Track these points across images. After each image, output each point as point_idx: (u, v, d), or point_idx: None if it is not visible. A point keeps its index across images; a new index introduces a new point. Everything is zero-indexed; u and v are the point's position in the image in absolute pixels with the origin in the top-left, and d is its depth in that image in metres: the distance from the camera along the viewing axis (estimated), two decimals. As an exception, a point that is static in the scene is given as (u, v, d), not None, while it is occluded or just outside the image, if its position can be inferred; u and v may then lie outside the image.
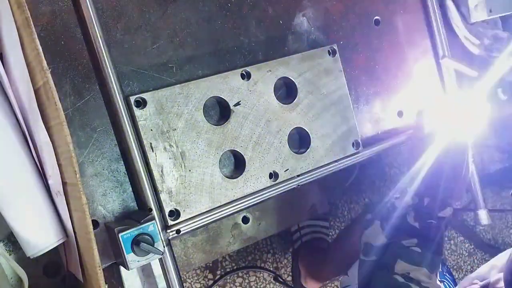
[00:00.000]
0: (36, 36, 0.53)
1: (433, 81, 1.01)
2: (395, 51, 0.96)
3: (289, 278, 1.61)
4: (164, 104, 0.71)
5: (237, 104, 0.76)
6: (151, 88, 0.72)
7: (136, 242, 0.63)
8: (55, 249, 0.62)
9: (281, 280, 1.60)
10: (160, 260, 0.69)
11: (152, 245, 0.64)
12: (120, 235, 0.63)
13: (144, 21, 0.72)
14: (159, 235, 0.66)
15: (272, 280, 1.62)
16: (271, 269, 1.62)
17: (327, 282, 1.58)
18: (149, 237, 0.64)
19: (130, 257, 0.64)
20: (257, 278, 1.61)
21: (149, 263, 0.73)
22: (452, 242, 1.95)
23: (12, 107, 0.60)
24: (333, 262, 1.33)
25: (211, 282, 1.55)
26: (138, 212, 0.70)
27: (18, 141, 0.60)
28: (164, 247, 0.66)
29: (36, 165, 0.61)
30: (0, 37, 0.59)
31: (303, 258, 1.54)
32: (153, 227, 0.65)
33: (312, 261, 1.50)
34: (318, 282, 1.52)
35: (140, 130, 0.69)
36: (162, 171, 0.70)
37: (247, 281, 1.60)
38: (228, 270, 1.57)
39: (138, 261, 0.64)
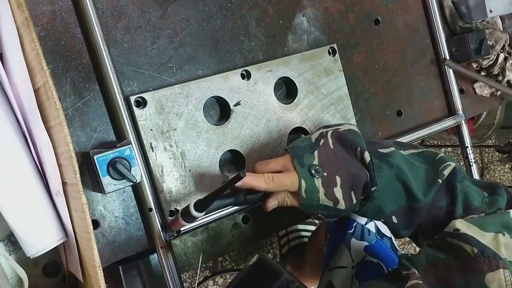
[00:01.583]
0: (36, 36, 0.53)
1: (433, 81, 1.01)
2: (395, 51, 0.96)
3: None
4: (164, 104, 0.71)
5: (237, 104, 0.76)
6: (151, 88, 0.72)
7: (112, 165, 0.63)
8: (55, 249, 0.62)
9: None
10: (160, 260, 0.69)
11: (129, 169, 0.64)
12: (95, 157, 0.62)
13: (144, 21, 0.72)
14: (136, 160, 0.65)
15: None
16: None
17: (313, 286, 1.57)
18: (125, 161, 0.64)
19: (106, 180, 0.63)
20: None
21: (149, 263, 0.73)
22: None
23: (12, 107, 0.60)
24: (309, 263, 1.33)
25: (211, 282, 1.55)
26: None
27: (18, 141, 0.60)
28: (142, 174, 0.66)
29: (36, 165, 0.61)
30: (0, 37, 0.59)
31: (291, 262, 1.54)
32: (129, 151, 0.64)
33: (299, 265, 1.50)
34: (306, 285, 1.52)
35: (140, 130, 0.69)
36: (162, 171, 0.70)
37: (247, 281, 1.60)
38: (228, 270, 1.57)
39: (115, 184, 0.63)
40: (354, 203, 0.65)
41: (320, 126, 0.74)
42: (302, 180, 0.63)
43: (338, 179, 0.64)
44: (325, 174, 0.64)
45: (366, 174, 0.66)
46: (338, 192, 0.64)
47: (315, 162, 0.65)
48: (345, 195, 0.65)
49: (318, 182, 0.64)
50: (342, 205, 0.64)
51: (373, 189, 0.66)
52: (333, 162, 0.66)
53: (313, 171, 0.64)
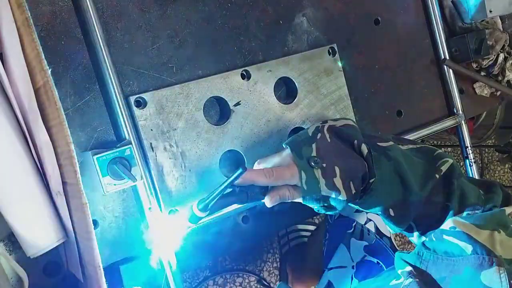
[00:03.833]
0: (36, 36, 0.53)
1: (433, 81, 1.01)
2: (395, 51, 0.96)
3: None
4: (164, 104, 0.71)
5: (237, 104, 0.76)
6: (151, 88, 0.72)
7: (112, 165, 0.63)
8: (55, 249, 0.62)
9: (265, 283, 1.61)
10: (160, 260, 0.69)
11: (129, 169, 0.63)
12: (95, 157, 0.62)
13: (144, 21, 0.72)
14: (136, 160, 0.65)
15: (272, 280, 1.62)
16: (271, 269, 1.62)
17: (313, 286, 1.58)
18: (125, 161, 0.63)
19: (106, 180, 0.63)
20: (256, 277, 1.62)
21: (149, 263, 0.73)
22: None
23: (12, 107, 0.60)
24: (309, 263, 1.33)
25: (211, 281, 1.55)
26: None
27: (18, 141, 0.60)
28: (142, 174, 0.66)
29: (36, 165, 0.61)
30: (0, 37, 0.59)
31: (291, 262, 1.54)
32: (129, 151, 0.64)
33: (298, 265, 1.50)
34: (304, 285, 1.52)
35: (140, 130, 0.69)
36: (162, 171, 0.70)
37: (247, 280, 1.60)
38: (228, 270, 1.57)
39: (115, 184, 0.63)
40: (353, 193, 0.65)
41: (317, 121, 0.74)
42: (302, 172, 0.63)
43: (337, 169, 0.64)
44: (324, 165, 0.64)
45: (364, 166, 0.66)
46: (338, 182, 0.64)
47: (313, 154, 0.65)
48: (345, 186, 0.64)
49: (318, 173, 0.64)
50: (343, 195, 0.64)
51: (371, 180, 0.66)
52: (331, 154, 0.66)
53: (312, 163, 0.64)
